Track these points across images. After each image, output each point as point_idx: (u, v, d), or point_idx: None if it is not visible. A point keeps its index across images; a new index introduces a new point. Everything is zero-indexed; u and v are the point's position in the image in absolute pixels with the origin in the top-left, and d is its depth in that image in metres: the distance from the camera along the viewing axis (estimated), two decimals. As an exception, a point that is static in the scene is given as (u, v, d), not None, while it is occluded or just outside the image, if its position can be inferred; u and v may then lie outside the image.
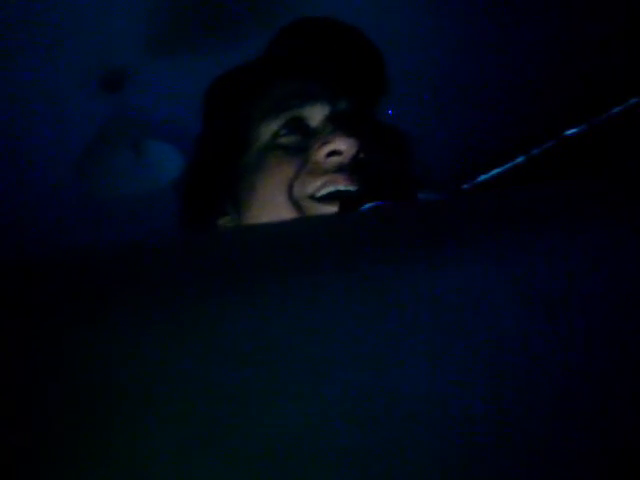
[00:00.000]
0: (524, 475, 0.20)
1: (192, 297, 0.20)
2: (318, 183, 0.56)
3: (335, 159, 0.56)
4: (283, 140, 0.60)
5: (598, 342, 0.21)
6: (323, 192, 0.56)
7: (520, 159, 2.83)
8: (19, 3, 1.72)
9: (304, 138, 0.59)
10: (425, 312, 0.20)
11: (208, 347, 0.19)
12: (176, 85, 2.12)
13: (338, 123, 0.58)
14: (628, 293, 0.21)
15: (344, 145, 0.56)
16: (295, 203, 0.56)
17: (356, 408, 0.19)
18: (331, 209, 0.55)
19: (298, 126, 0.60)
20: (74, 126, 2.17)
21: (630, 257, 0.22)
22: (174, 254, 0.23)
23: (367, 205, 0.50)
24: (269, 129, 0.60)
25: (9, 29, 1.80)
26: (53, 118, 2.14)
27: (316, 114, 0.60)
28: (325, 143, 0.57)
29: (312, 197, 0.56)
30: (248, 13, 1.89)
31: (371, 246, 0.22)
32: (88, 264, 0.22)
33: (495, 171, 2.87)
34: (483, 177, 2.88)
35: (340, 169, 0.56)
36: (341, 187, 0.55)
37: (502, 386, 0.20)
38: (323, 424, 0.19)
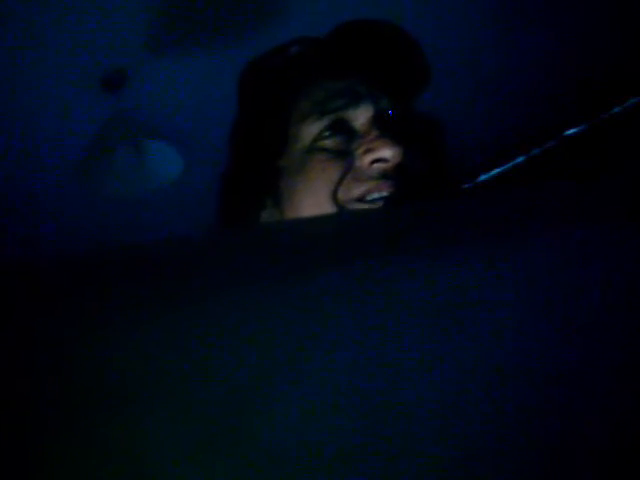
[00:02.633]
0: (524, 474, 0.20)
1: (191, 297, 0.20)
2: (363, 189, 0.56)
3: (380, 166, 0.57)
4: (326, 142, 0.59)
5: (598, 341, 0.21)
6: (368, 198, 0.56)
7: (520, 159, 2.83)
8: (20, 3, 1.72)
9: (347, 140, 0.59)
10: (425, 311, 0.20)
11: (208, 347, 0.19)
12: (176, 85, 2.12)
13: (382, 126, 0.58)
14: (628, 292, 0.21)
15: (389, 153, 0.56)
16: (340, 207, 0.57)
17: (356, 408, 0.19)
18: None
19: (341, 128, 0.59)
20: (74, 126, 2.16)
21: (630, 257, 0.22)
22: (171, 256, 0.23)
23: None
24: (312, 130, 0.60)
25: (9, 29, 1.80)
26: (53, 118, 2.14)
27: (359, 115, 0.60)
28: (370, 150, 0.57)
29: (358, 200, 0.56)
30: (248, 14, 1.89)
31: (372, 245, 0.22)
32: (87, 264, 0.22)
33: (495, 171, 2.86)
34: (483, 177, 2.88)
35: (385, 176, 0.56)
36: (385, 194, 0.56)
37: (502, 384, 0.20)
38: (323, 423, 0.19)
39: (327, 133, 0.59)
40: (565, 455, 0.20)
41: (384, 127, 0.58)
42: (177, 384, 0.19)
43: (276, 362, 0.19)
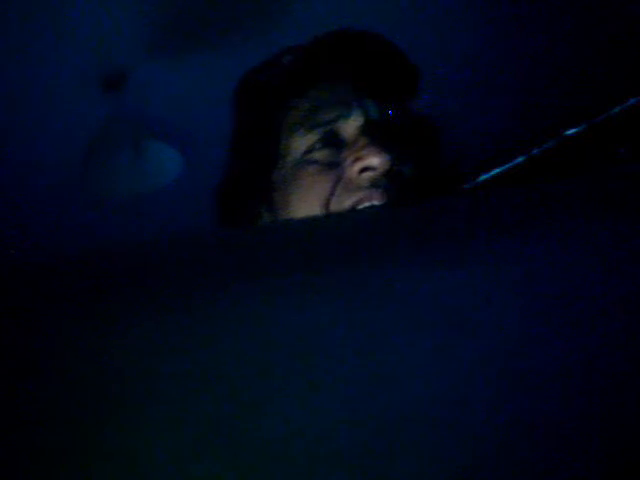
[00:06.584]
0: (525, 475, 0.20)
1: (191, 298, 0.20)
2: (354, 199, 0.57)
3: (369, 174, 0.57)
4: (316, 155, 0.60)
5: (599, 341, 0.21)
6: (359, 208, 0.56)
7: (520, 159, 2.83)
8: (19, 3, 1.72)
9: (337, 151, 0.59)
10: (425, 311, 0.20)
11: (208, 348, 0.19)
12: (176, 85, 2.12)
13: (370, 135, 0.59)
14: (628, 292, 0.21)
15: (376, 161, 0.56)
16: None
17: (356, 408, 0.19)
18: None
19: (331, 139, 0.60)
20: (74, 126, 2.17)
21: (630, 257, 0.22)
22: (170, 256, 0.23)
23: None
24: (302, 143, 0.60)
25: (9, 29, 1.80)
26: (53, 118, 2.14)
27: (349, 126, 0.60)
28: (357, 159, 0.57)
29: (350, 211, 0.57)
30: (248, 14, 1.89)
31: (371, 246, 0.22)
32: (87, 265, 0.22)
33: (495, 171, 2.87)
34: (483, 177, 2.88)
35: (374, 185, 0.57)
36: (376, 202, 0.56)
37: (503, 385, 0.20)
38: (324, 423, 0.19)
39: (318, 145, 0.60)
40: (565, 455, 0.20)
41: (373, 135, 0.59)
42: (177, 383, 0.19)
43: (275, 361, 0.19)
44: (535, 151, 2.78)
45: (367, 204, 0.56)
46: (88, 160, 1.99)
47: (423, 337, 0.20)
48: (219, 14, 1.89)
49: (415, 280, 0.21)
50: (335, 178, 0.58)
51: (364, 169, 0.57)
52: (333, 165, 0.59)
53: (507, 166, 2.84)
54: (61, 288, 0.20)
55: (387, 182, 0.57)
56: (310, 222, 0.30)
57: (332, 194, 0.57)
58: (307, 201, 0.58)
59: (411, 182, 0.58)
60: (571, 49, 2.32)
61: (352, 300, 0.20)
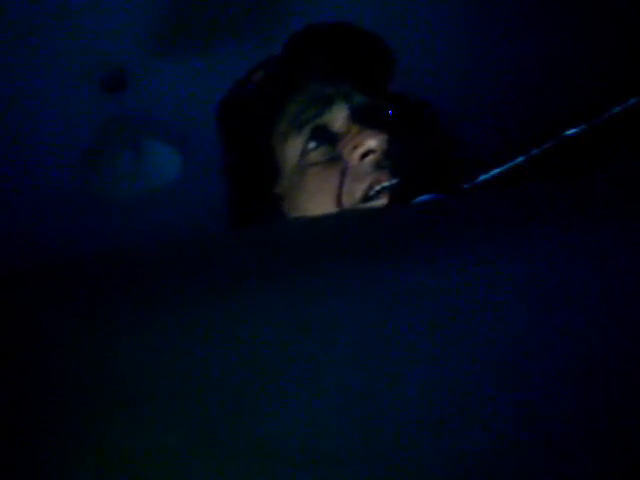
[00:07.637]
0: (524, 475, 0.20)
1: (191, 298, 0.20)
2: (364, 186, 0.56)
3: (370, 158, 0.57)
4: (313, 156, 0.59)
5: (599, 340, 0.21)
6: (371, 194, 0.56)
7: (520, 159, 2.83)
8: (19, 3, 1.72)
9: (332, 145, 0.59)
10: (425, 311, 0.20)
11: (208, 348, 0.19)
12: (176, 85, 2.12)
13: (360, 121, 0.58)
14: (628, 291, 0.21)
15: (374, 142, 0.56)
16: None
17: (356, 408, 0.19)
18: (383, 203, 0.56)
19: (323, 135, 0.60)
20: (74, 126, 2.17)
21: (630, 256, 0.22)
22: (170, 258, 0.23)
23: (421, 197, 0.51)
24: (295, 147, 0.60)
25: (9, 29, 1.80)
26: (53, 118, 2.14)
27: (335, 117, 0.60)
28: (356, 146, 0.57)
29: (363, 200, 0.56)
30: (247, 14, 1.89)
31: (371, 246, 0.22)
32: (87, 267, 0.22)
33: (495, 171, 2.87)
34: (483, 177, 2.88)
35: (379, 167, 0.56)
36: (387, 183, 0.56)
37: (502, 384, 0.20)
38: (324, 423, 0.19)
39: (312, 145, 0.59)
40: (565, 454, 0.20)
41: (363, 121, 0.59)
42: (177, 384, 0.19)
43: (275, 361, 0.19)
44: (535, 151, 2.78)
45: (378, 187, 0.56)
46: (88, 160, 1.99)
47: (423, 337, 0.20)
48: (220, 15, 1.89)
49: (414, 280, 0.21)
50: (340, 171, 0.58)
51: (365, 154, 0.57)
52: (333, 160, 0.58)
53: (507, 166, 2.84)
54: (62, 290, 0.20)
55: (391, 162, 0.57)
56: (309, 222, 0.30)
57: (341, 188, 0.57)
58: (319, 203, 0.58)
59: (413, 160, 0.58)
60: (571, 49, 2.32)
61: (353, 300, 0.20)
